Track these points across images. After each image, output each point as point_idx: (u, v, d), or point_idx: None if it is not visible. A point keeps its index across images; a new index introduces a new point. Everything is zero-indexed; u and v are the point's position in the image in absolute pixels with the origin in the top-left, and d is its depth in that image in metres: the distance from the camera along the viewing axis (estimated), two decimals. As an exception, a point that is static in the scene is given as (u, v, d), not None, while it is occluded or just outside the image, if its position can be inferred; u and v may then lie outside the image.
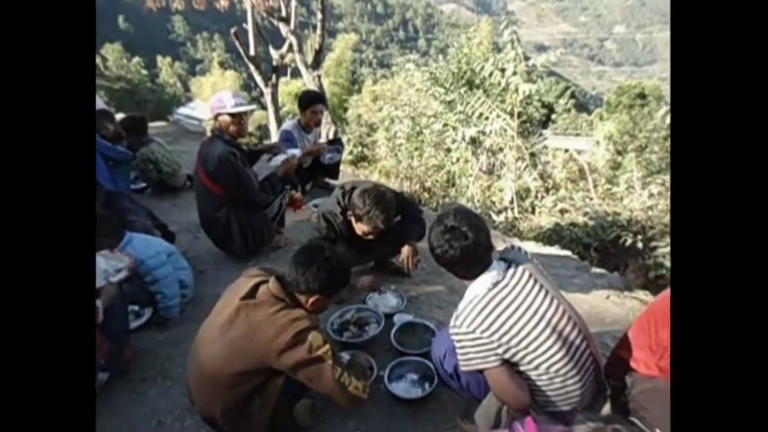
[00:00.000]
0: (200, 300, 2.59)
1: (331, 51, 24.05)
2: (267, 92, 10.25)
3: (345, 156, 8.82)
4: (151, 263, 2.21)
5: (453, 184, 6.90)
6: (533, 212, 5.88)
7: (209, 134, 2.85)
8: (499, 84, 5.99)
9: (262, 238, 2.92)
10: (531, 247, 3.26)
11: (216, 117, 2.64)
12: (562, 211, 5.47)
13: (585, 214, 5.12)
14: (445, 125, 6.92)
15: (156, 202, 3.93)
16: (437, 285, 2.64)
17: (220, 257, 3.05)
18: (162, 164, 3.87)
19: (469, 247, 1.37)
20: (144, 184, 4.13)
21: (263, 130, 21.49)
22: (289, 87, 20.98)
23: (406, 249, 2.38)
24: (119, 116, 8.94)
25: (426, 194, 7.16)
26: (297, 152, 3.11)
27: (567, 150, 8.82)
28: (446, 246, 1.39)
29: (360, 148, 12.19)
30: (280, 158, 2.97)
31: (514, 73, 5.47)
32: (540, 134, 8.73)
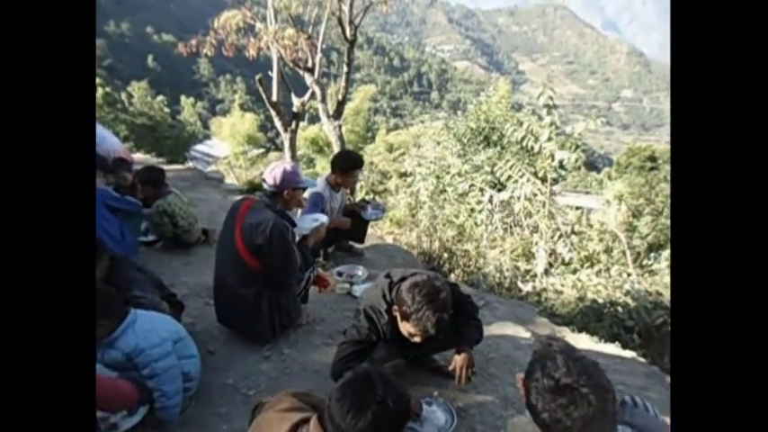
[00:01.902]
0: (206, 392, 2.18)
1: (350, 101, 24.64)
2: (286, 137, 10.31)
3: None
4: (153, 353, 1.83)
5: (477, 247, 6.53)
6: (563, 285, 5.45)
7: (251, 197, 2.55)
8: (531, 148, 5.78)
9: (289, 319, 2.55)
10: (585, 342, 2.85)
11: (281, 191, 2.38)
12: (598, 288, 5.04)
13: (627, 293, 4.70)
14: (472, 185, 6.66)
15: (167, 260, 3.60)
16: (488, 395, 2.21)
17: (233, 334, 2.66)
18: (178, 217, 3.58)
19: (594, 417, 0.99)
20: (154, 237, 3.82)
21: (277, 171, 21.58)
22: (306, 133, 21.26)
23: (460, 359, 1.96)
24: (137, 155, 8.86)
25: (446, 254, 6.80)
26: (324, 219, 2.81)
27: (578, 208, 8.50)
28: (560, 413, 1.01)
29: (371, 195, 12.07)
30: (307, 220, 2.69)
31: (549, 138, 5.26)
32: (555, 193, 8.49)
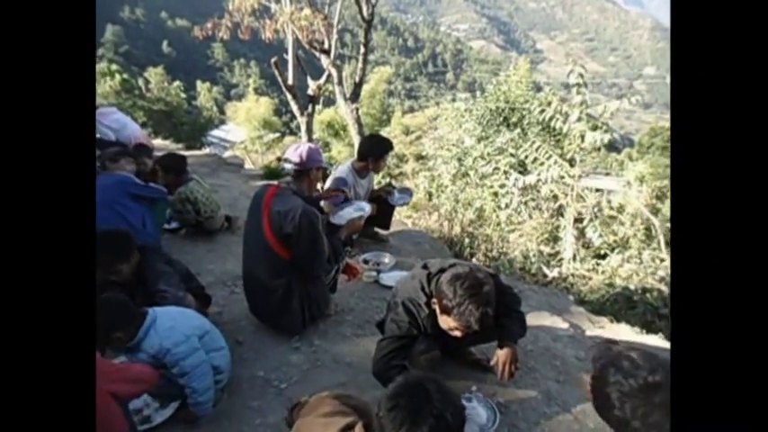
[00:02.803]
0: (237, 385, 2.14)
1: (365, 83, 24.31)
2: (302, 121, 10.24)
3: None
4: (179, 351, 1.77)
5: (500, 231, 6.37)
6: (594, 270, 5.28)
7: (275, 183, 2.43)
8: (557, 129, 5.56)
9: (319, 310, 2.48)
10: (626, 333, 2.71)
11: (307, 170, 2.27)
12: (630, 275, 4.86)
13: (661, 280, 4.51)
14: (496, 169, 6.46)
15: (191, 247, 3.56)
16: (529, 389, 2.11)
17: (261, 324, 2.60)
18: (201, 204, 3.52)
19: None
20: (177, 225, 3.78)
21: (292, 155, 21.57)
22: (321, 116, 21.08)
23: (503, 353, 1.85)
24: (156, 141, 8.85)
25: (467, 239, 6.68)
26: (368, 209, 2.71)
27: (598, 190, 8.21)
28: (656, 414, 0.96)
29: (388, 179, 12.00)
30: (348, 211, 2.58)
31: (579, 119, 5.02)
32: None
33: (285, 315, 2.36)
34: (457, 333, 1.71)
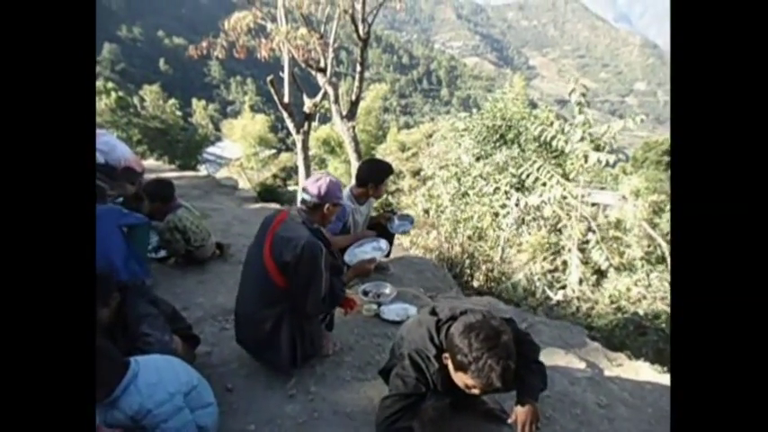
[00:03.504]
0: (225, 441, 1.92)
1: (361, 100, 24.44)
2: (298, 138, 10.17)
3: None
4: (161, 413, 1.57)
5: (501, 253, 6.20)
6: (601, 294, 5.11)
7: (285, 209, 2.32)
8: (557, 148, 5.45)
9: (312, 347, 2.28)
10: (647, 373, 2.52)
11: (325, 203, 2.16)
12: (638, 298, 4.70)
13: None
14: (497, 189, 6.33)
15: (180, 278, 3.36)
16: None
17: (253, 366, 2.39)
18: (190, 233, 3.33)
19: None
20: (165, 254, 3.58)
21: (287, 172, 21.49)
22: (317, 133, 21.06)
23: (523, 412, 1.62)
24: (149, 161, 8.67)
25: (467, 259, 6.51)
26: (385, 247, 2.58)
27: (594, 204, 8.08)
28: None
29: (385, 196, 11.88)
30: (365, 249, 2.45)
31: (582, 138, 4.91)
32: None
33: (272, 349, 2.17)
34: (475, 391, 1.52)
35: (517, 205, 5.86)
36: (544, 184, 5.63)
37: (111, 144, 4.88)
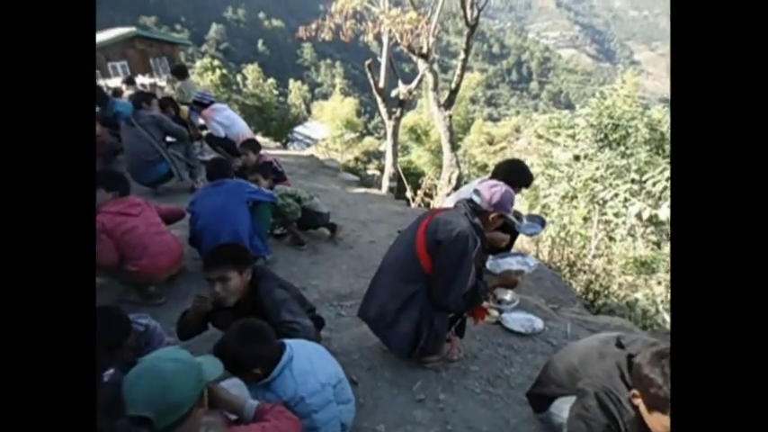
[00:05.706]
0: (354, 439, 1.84)
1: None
2: (389, 124, 10.13)
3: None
4: (313, 402, 1.50)
5: (615, 268, 5.62)
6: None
7: (453, 204, 2.28)
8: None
9: (434, 345, 2.14)
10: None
11: (493, 211, 2.07)
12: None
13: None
14: (616, 195, 5.71)
15: (294, 256, 3.40)
16: None
17: (376, 360, 2.31)
18: (299, 194, 3.47)
19: None
20: (281, 230, 3.65)
21: (369, 156, 21.70)
22: (404, 120, 20.96)
23: None
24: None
25: (569, 268, 6.01)
26: (532, 263, 2.42)
27: None
28: None
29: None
30: (509, 261, 2.32)
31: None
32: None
33: (393, 329, 2.08)
34: None
35: (638, 216, 5.24)
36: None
37: (231, 118, 5.12)
